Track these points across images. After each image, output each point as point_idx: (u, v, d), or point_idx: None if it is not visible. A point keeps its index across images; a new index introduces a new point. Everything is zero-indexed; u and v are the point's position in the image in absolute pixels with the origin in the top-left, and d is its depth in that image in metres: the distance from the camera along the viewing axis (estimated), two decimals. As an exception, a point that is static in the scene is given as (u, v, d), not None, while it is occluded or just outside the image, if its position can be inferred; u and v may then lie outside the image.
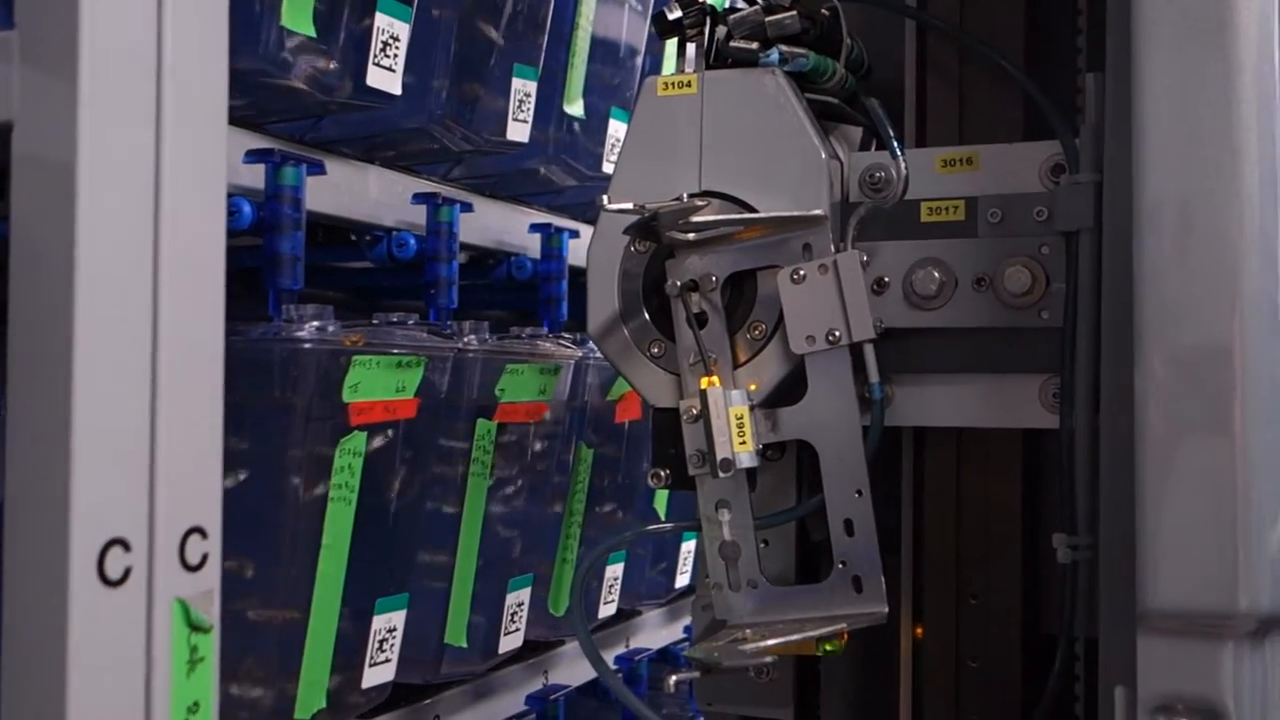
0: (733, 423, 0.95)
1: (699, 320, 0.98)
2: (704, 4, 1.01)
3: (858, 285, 0.95)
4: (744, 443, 0.96)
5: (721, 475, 0.95)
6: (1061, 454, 0.96)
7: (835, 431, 0.97)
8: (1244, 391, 0.73)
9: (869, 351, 0.97)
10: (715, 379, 0.97)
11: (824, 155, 0.97)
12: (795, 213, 0.96)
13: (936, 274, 0.99)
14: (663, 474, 1.02)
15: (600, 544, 1.55)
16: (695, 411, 0.97)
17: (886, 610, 0.97)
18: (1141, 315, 0.76)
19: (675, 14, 1.02)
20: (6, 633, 0.71)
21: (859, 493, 0.96)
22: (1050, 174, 0.98)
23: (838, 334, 0.95)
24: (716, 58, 1.01)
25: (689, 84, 1.01)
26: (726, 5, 0.99)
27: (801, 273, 0.96)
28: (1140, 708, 0.75)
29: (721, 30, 1.00)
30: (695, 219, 0.96)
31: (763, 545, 1.02)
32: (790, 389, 0.99)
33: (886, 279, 1.01)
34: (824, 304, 0.95)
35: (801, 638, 0.95)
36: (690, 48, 1.04)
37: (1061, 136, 0.97)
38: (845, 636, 1.02)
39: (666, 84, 1.01)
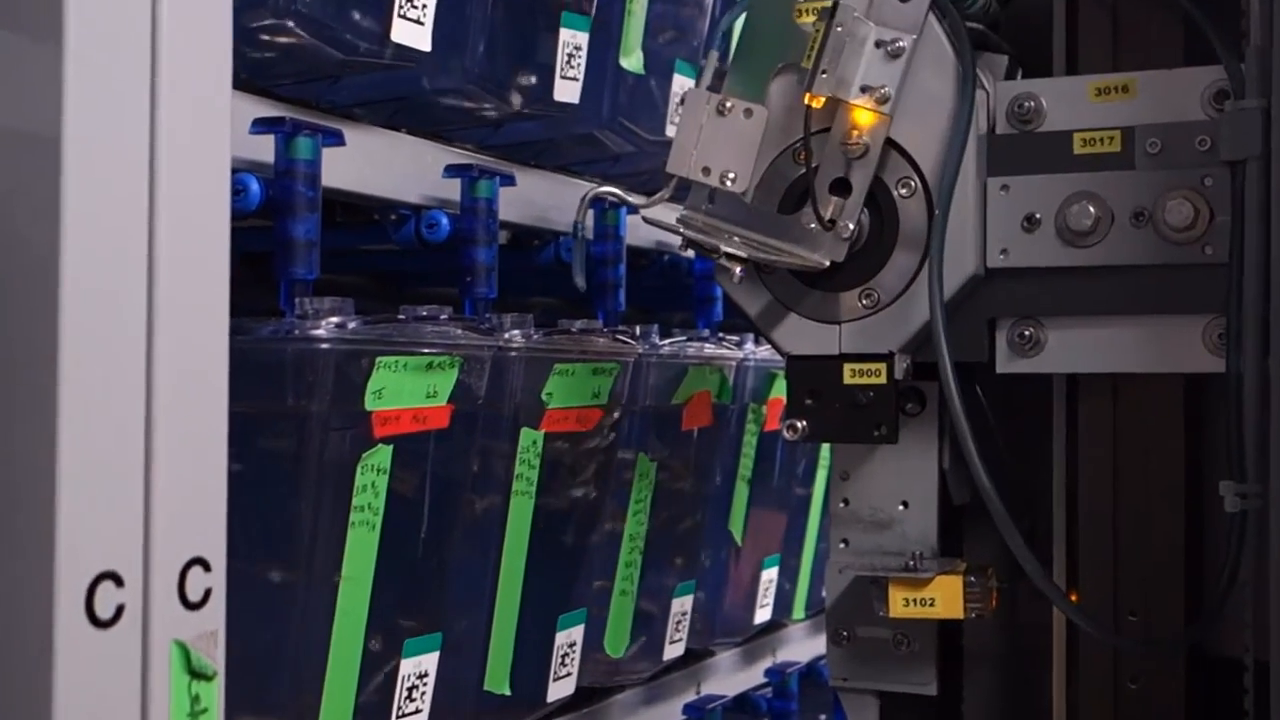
0: None
1: None
2: None
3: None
4: None
5: None
6: (1228, 400, 0.96)
7: None
8: None
9: None
10: None
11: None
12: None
13: (1091, 209, 1.02)
14: (799, 425, 1.05)
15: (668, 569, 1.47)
16: None
17: None
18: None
19: None
20: (-13, 680, 0.69)
21: None
22: (1213, 100, 1.00)
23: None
24: None
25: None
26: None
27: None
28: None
29: None
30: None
31: (902, 508, 1.08)
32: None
33: (1037, 215, 1.03)
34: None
35: None
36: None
37: (1225, 60, 0.99)
38: (995, 599, 1.06)
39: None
